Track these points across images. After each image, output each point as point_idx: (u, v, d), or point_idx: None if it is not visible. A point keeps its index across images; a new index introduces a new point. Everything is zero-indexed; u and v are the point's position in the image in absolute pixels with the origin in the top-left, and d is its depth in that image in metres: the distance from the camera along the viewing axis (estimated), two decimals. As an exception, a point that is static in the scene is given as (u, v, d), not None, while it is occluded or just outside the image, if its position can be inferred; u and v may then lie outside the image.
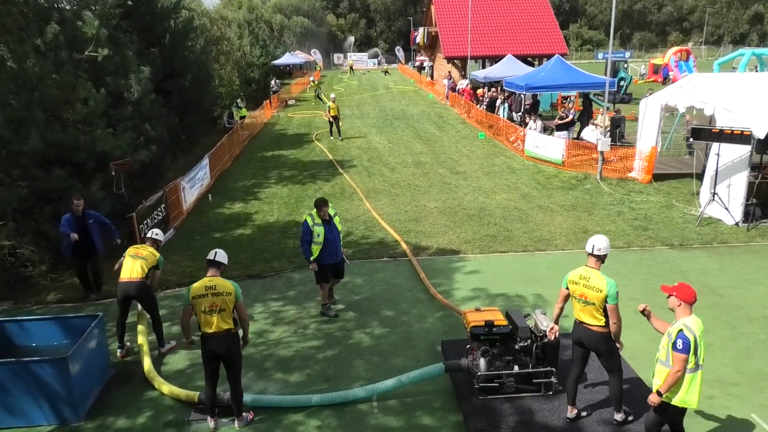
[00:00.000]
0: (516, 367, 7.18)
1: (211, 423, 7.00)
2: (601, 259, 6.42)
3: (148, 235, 9.16)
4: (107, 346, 8.35)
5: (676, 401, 5.56)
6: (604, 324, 6.29)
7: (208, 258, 6.94)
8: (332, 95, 28.04)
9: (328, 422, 7.04)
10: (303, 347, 8.78)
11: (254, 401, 7.28)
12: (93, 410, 7.40)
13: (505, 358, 7.25)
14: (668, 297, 5.67)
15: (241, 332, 6.96)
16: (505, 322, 7.32)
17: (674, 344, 5.39)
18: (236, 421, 7.01)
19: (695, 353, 5.38)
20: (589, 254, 6.45)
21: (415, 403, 7.35)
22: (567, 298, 6.61)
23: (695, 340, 5.36)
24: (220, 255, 6.97)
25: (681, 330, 5.40)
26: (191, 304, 6.69)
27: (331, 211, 9.45)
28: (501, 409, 6.97)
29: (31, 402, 7.05)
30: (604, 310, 6.24)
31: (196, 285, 6.74)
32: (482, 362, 7.16)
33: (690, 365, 5.40)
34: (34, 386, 6.99)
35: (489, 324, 7.19)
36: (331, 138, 26.57)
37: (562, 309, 6.75)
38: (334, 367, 8.22)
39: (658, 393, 5.58)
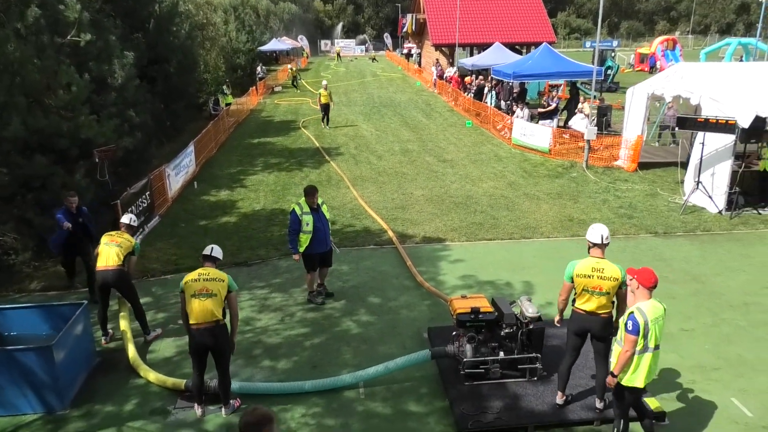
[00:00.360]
0: (501, 354, 7.24)
1: (198, 410, 7.00)
2: (606, 247, 6.48)
3: (123, 220, 9.05)
4: (92, 334, 8.30)
5: (625, 381, 5.72)
6: (610, 309, 6.41)
7: (204, 253, 7.06)
8: (324, 82, 26.65)
9: (314, 410, 7.06)
10: (290, 335, 8.78)
11: (242, 389, 7.28)
12: (78, 398, 7.37)
13: (491, 344, 7.30)
14: (630, 280, 5.83)
15: (229, 325, 6.96)
16: (491, 309, 7.36)
17: (625, 325, 5.57)
18: (223, 409, 7.01)
19: (645, 336, 5.53)
20: (596, 245, 6.42)
21: (401, 390, 7.39)
22: (571, 290, 6.57)
23: (645, 324, 5.50)
24: (216, 250, 7.11)
25: (633, 312, 5.57)
26: (183, 290, 6.73)
27: (319, 200, 9.40)
28: (487, 394, 7.03)
29: (15, 391, 7.00)
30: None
31: (190, 273, 6.86)
32: (468, 349, 7.21)
33: (639, 347, 5.56)
34: (19, 375, 6.94)
35: (475, 311, 7.24)
36: (324, 127, 25.65)
37: (566, 302, 6.67)
38: (321, 354, 8.24)
39: (612, 374, 5.75)
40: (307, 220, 9.11)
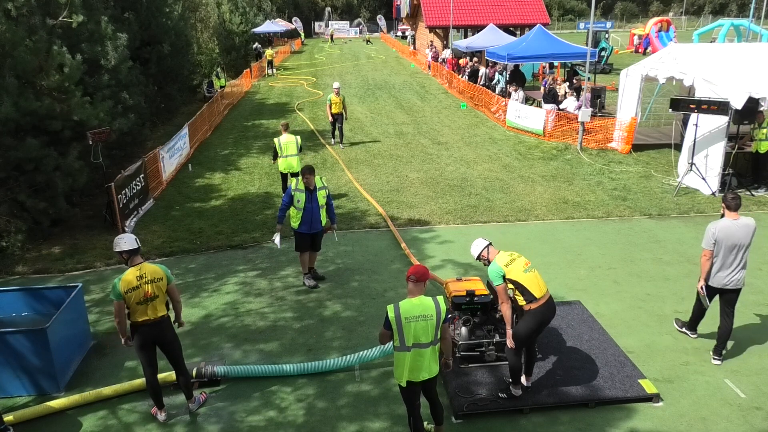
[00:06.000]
0: (497, 336, 7.26)
1: (161, 416, 6.60)
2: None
3: None
4: (87, 317, 8.29)
5: (396, 379, 5.61)
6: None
7: (124, 249, 6.28)
8: (335, 85, 18.78)
9: (306, 391, 7.08)
10: (283, 317, 8.79)
11: (240, 372, 7.29)
12: (73, 381, 7.38)
13: (486, 327, 7.33)
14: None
15: (173, 315, 6.68)
16: (486, 292, 7.37)
17: None
18: (189, 404, 6.75)
19: (399, 333, 5.34)
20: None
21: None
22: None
23: (396, 320, 5.31)
24: (134, 239, 6.38)
25: (387, 308, 5.40)
26: (123, 299, 6.14)
27: (319, 183, 9.34)
28: (482, 377, 7.07)
29: (9, 374, 7.01)
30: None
31: (125, 278, 6.15)
32: (463, 331, 7.24)
33: (395, 343, 5.39)
34: (13, 358, 6.94)
35: (470, 293, 7.25)
36: (333, 144, 19.41)
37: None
38: (316, 336, 8.25)
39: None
40: (299, 197, 9.17)
